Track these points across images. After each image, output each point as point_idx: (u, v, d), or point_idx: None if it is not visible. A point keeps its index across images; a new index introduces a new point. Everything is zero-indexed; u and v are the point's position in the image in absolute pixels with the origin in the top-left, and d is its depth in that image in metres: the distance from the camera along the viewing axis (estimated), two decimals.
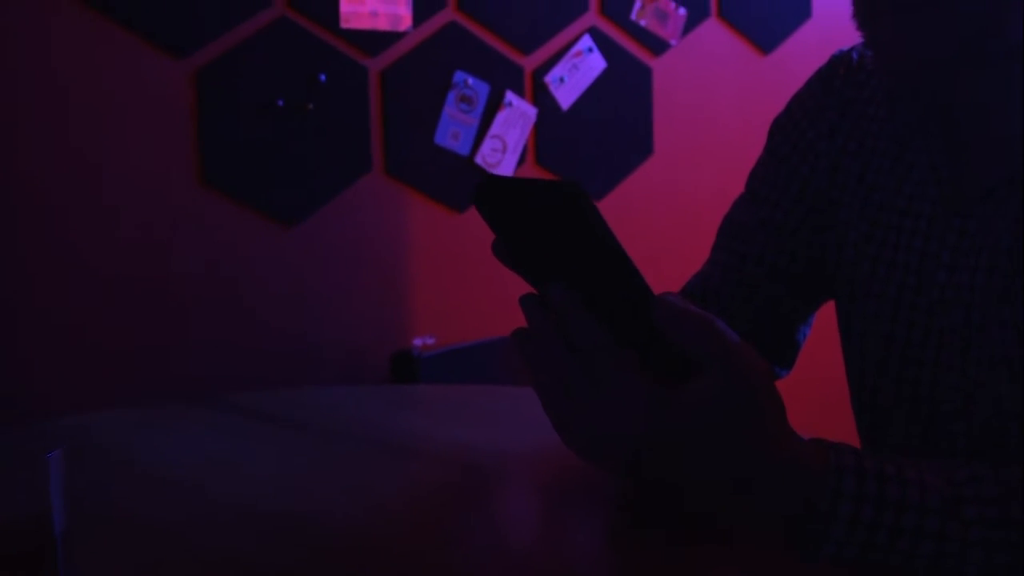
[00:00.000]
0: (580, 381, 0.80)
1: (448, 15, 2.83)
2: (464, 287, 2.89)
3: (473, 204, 0.82)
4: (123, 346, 2.44)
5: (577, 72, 3.06)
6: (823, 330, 1.45)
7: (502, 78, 2.92)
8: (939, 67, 1.01)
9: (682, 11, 3.25)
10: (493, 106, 2.91)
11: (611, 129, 3.15)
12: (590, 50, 3.07)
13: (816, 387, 2.79)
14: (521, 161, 2.96)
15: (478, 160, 2.88)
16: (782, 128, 1.29)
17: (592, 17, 3.09)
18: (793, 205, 1.25)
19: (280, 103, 2.57)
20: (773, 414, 0.81)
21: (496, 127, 2.91)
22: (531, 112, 2.97)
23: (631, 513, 1.00)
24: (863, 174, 1.19)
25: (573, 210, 0.73)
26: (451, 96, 2.83)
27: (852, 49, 1.26)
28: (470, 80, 2.86)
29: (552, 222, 0.76)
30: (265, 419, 1.37)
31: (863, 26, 1.03)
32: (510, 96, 2.93)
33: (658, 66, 3.24)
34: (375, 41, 2.72)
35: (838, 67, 1.26)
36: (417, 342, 2.82)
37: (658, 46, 3.23)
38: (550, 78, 3.01)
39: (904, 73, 1.03)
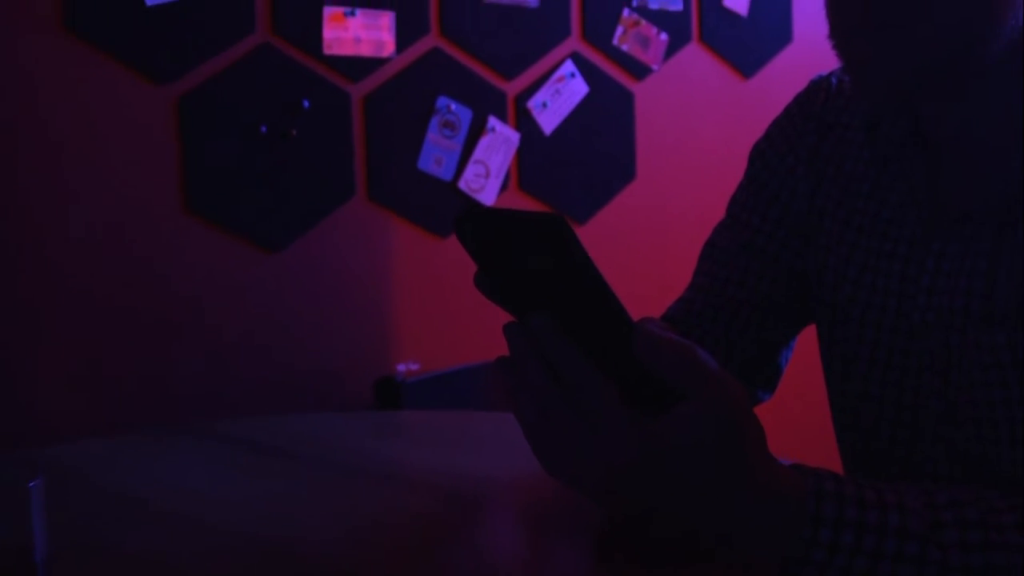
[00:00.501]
0: (561, 409, 0.80)
1: (431, 41, 2.84)
2: (448, 312, 2.89)
3: (454, 234, 0.82)
4: (105, 373, 2.43)
5: (560, 97, 3.07)
6: (805, 353, 1.46)
7: (485, 103, 2.93)
8: (915, 88, 1.02)
9: (664, 36, 3.27)
10: (476, 131, 2.92)
11: (594, 154, 3.16)
12: (572, 75, 3.08)
13: (799, 410, 2.79)
14: (504, 186, 2.97)
15: (461, 185, 2.89)
16: (762, 153, 1.30)
17: (574, 42, 3.10)
18: (773, 230, 1.26)
19: (263, 129, 2.57)
20: (752, 441, 0.81)
21: (479, 152, 2.91)
22: (514, 137, 2.98)
23: (616, 538, 1.00)
24: (842, 198, 1.20)
25: (555, 242, 0.74)
26: (434, 121, 2.84)
27: (831, 74, 1.27)
28: (453, 105, 2.87)
29: (534, 254, 0.77)
30: (248, 446, 1.37)
31: (840, 47, 1.04)
32: (493, 121, 2.94)
33: (640, 91, 3.26)
34: (358, 67, 2.72)
35: (817, 92, 1.27)
36: (401, 368, 2.82)
37: (640, 71, 3.25)
38: (533, 103, 3.02)
39: (880, 94, 1.04)
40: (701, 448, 0.78)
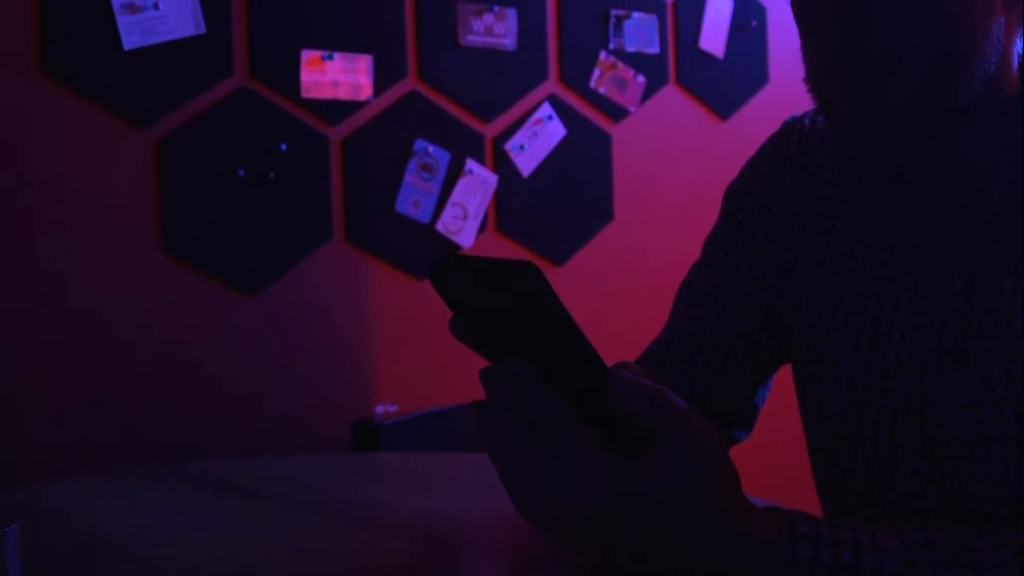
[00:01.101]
0: (537, 454, 0.80)
1: (409, 84, 2.85)
2: (426, 354, 2.88)
3: (429, 280, 0.82)
4: (82, 415, 2.42)
5: (537, 139, 3.08)
6: (782, 392, 1.46)
7: (462, 146, 2.94)
8: (888, 129, 1.04)
9: (640, 78, 3.29)
10: (454, 174, 2.93)
11: (572, 195, 3.17)
12: (550, 117, 3.10)
13: (776, 449, 2.79)
14: (482, 228, 2.98)
15: (439, 227, 2.90)
16: (736, 195, 1.31)
17: (552, 85, 3.12)
18: (749, 270, 1.26)
19: (241, 172, 2.58)
20: (726, 484, 0.82)
21: (457, 194, 2.92)
22: (492, 179, 2.99)
23: None
24: (816, 238, 1.21)
25: (529, 290, 0.74)
26: (412, 164, 2.85)
27: (804, 115, 1.29)
28: (431, 148, 2.88)
29: (508, 301, 0.77)
30: (226, 489, 1.37)
31: (814, 90, 1.06)
32: (471, 164, 2.95)
33: (617, 132, 3.27)
34: (336, 110, 2.73)
35: (790, 133, 1.28)
36: (379, 409, 2.81)
37: (617, 113, 3.27)
38: (510, 145, 3.03)
39: (854, 135, 1.05)
40: (675, 492, 0.79)
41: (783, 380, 1.34)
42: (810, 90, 1.06)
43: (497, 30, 2.99)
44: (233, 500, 1.33)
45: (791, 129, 1.29)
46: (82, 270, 2.43)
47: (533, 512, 0.85)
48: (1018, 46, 1.08)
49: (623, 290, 3.30)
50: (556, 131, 3.12)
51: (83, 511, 1.29)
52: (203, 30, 2.54)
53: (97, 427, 2.44)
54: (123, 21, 2.42)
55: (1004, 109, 1.07)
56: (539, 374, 0.79)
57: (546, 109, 3.10)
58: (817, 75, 1.05)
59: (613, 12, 3.22)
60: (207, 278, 2.58)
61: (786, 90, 3.55)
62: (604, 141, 3.25)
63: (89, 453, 2.43)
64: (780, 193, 1.26)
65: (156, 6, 2.46)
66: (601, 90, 3.22)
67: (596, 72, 3.20)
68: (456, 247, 2.93)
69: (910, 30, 0.99)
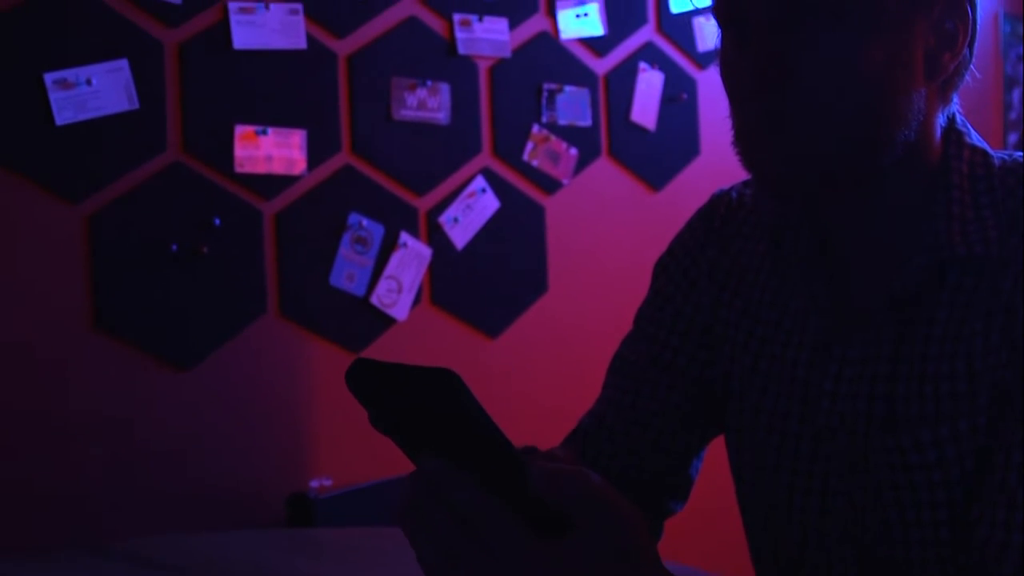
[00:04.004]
0: (467, 548, 0.81)
1: (343, 159, 2.87)
2: (361, 428, 2.85)
3: (346, 384, 0.83)
4: (8, 490, 2.39)
5: (471, 212, 3.10)
6: (716, 461, 1.47)
7: (396, 219, 2.96)
8: (813, 187, 1.07)
9: (573, 151, 3.33)
10: (388, 247, 2.94)
11: (506, 267, 3.20)
12: (484, 190, 3.13)
13: (710, 517, 2.80)
14: (417, 301, 2.99)
15: (374, 300, 2.90)
16: (665, 268, 1.34)
17: (485, 158, 3.15)
18: (680, 343, 1.29)
19: (174, 247, 2.58)
20: (646, 564, 0.82)
21: (391, 268, 2.93)
22: (426, 252, 3.01)
23: None
24: (746, 308, 1.24)
25: (448, 396, 0.76)
26: (346, 238, 2.86)
27: (731, 188, 1.32)
28: (364, 222, 2.89)
29: (426, 405, 0.79)
30: (157, 566, 1.36)
31: (743, 152, 1.09)
32: (405, 237, 2.96)
33: (551, 204, 3.31)
34: (270, 185, 2.74)
35: (718, 206, 1.31)
36: (314, 484, 2.80)
37: (551, 185, 3.30)
38: (444, 218, 3.05)
39: (780, 188, 1.09)
40: (599, 569, 0.79)
41: (716, 449, 1.36)
42: (738, 152, 1.10)
43: (431, 104, 3.02)
44: None
45: (718, 202, 1.32)
46: (11, 345, 2.41)
47: None
48: (940, 118, 1.12)
49: (558, 361, 3.31)
50: (490, 204, 3.15)
51: None
52: (136, 105, 2.54)
53: (25, 503, 2.41)
54: (55, 97, 2.42)
55: (925, 177, 1.11)
56: (458, 466, 0.81)
57: (480, 182, 3.13)
58: (744, 137, 1.09)
59: (545, 86, 3.27)
60: (140, 353, 2.57)
61: (717, 161, 3.60)
62: (538, 213, 3.28)
63: (16, 529, 2.39)
64: (708, 265, 1.29)
65: (89, 82, 2.47)
66: (534, 163, 3.25)
67: (529, 145, 3.24)
68: (391, 320, 2.94)
69: (832, 96, 1.04)
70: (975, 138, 1.15)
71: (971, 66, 1.13)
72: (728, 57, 1.10)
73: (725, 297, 1.26)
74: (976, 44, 1.12)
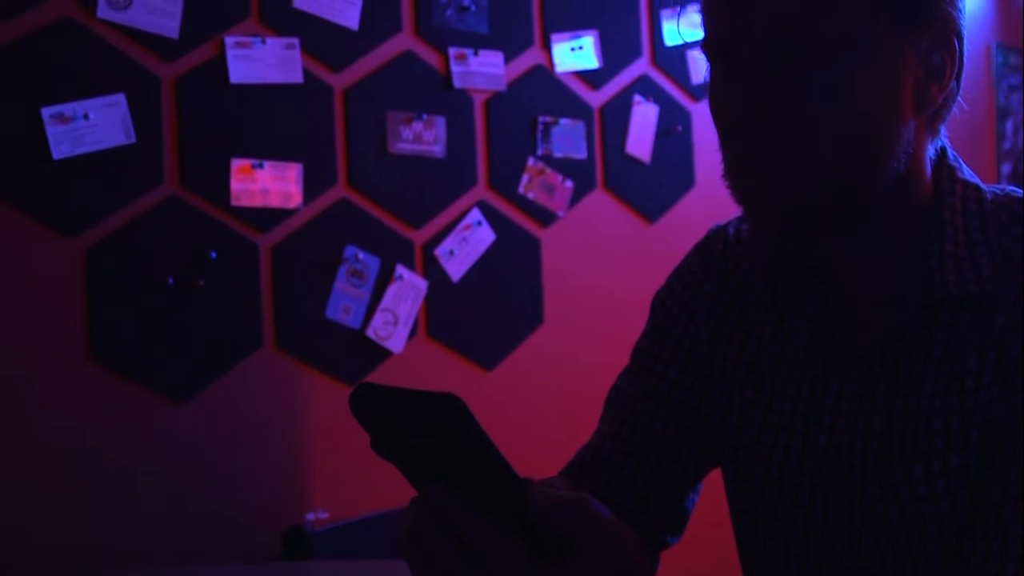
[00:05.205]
0: (469, 574, 0.82)
1: (338, 192, 2.88)
2: (357, 460, 2.88)
3: (349, 409, 0.84)
4: (9, 523, 2.39)
5: (467, 245, 3.12)
6: (713, 494, 1.48)
7: (392, 252, 2.97)
8: (804, 217, 1.08)
9: (569, 183, 3.34)
10: (384, 280, 2.95)
11: (501, 300, 3.21)
12: (479, 223, 3.14)
13: (707, 550, 2.81)
14: (413, 334, 3.00)
15: (370, 333, 2.91)
16: (663, 302, 1.35)
17: (481, 191, 3.17)
18: (678, 376, 1.29)
19: (170, 280, 2.59)
20: None
21: (387, 300, 2.94)
22: (422, 285, 3.02)
23: None
24: (745, 342, 1.25)
25: (451, 421, 0.77)
26: (342, 271, 2.87)
27: (728, 224, 1.33)
28: (360, 255, 2.90)
29: (429, 431, 0.80)
30: None
31: (733, 186, 1.10)
32: (400, 270, 2.97)
33: (546, 237, 3.32)
34: (266, 218, 2.76)
35: (715, 241, 1.33)
36: (310, 517, 2.80)
37: (546, 217, 3.32)
38: (440, 251, 3.06)
39: (772, 222, 1.10)
40: None
41: (714, 480, 1.36)
42: (728, 186, 1.11)
43: (426, 137, 3.04)
44: None
45: (716, 237, 1.33)
46: (7, 377, 2.41)
47: None
48: (929, 150, 1.14)
49: (553, 394, 3.32)
50: (485, 236, 3.16)
51: None
52: (133, 139, 2.56)
53: (15, 536, 2.41)
54: (53, 131, 2.44)
55: (917, 212, 1.12)
56: (461, 492, 0.81)
57: (475, 215, 3.14)
58: (735, 171, 1.10)
59: (541, 119, 3.29)
60: (136, 386, 2.57)
61: (712, 192, 3.61)
62: (533, 245, 3.29)
63: (8, 564, 2.39)
64: (707, 300, 1.29)
65: (86, 116, 2.48)
66: (530, 195, 3.27)
67: (525, 178, 3.25)
68: (387, 353, 2.95)
69: (821, 131, 1.05)
70: (967, 173, 1.16)
71: (959, 98, 1.15)
72: (717, 91, 1.11)
73: (725, 331, 1.27)
74: (966, 75, 1.14)
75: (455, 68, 3.12)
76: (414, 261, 3.03)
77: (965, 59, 1.12)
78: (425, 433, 0.80)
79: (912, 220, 1.12)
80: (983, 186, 1.15)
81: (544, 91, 3.33)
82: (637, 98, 3.55)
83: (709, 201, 3.62)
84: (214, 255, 2.66)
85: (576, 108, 3.40)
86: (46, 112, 2.45)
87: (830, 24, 1.03)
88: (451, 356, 3.11)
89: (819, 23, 1.03)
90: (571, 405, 3.30)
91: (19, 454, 2.43)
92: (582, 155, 3.40)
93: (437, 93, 3.10)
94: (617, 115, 3.51)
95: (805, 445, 1.16)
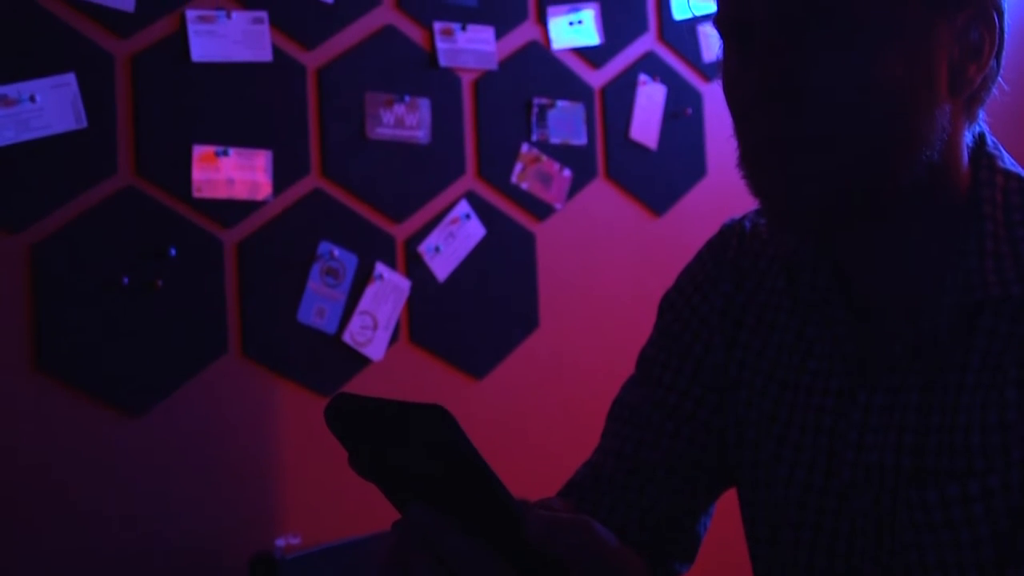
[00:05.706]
0: None
1: (312, 182, 2.87)
2: (332, 480, 2.87)
3: (325, 422, 0.84)
4: None
5: (454, 240, 3.11)
6: (726, 518, 1.48)
7: (371, 248, 2.97)
8: (826, 213, 1.07)
9: (567, 172, 3.33)
10: (362, 279, 2.94)
11: (493, 301, 3.20)
12: (468, 216, 3.13)
13: None
14: (394, 339, 2.99)
15: (346, 338, 2.91)
16: (672, 305, 1.33)
17: (469, 181, 3.16)
18: (688, 386, 1.28)
19: (125, 280, 2.58)
20: None
21: (365, 302, 2.94)
22: (404, 285, 3.01)
23: None
24: (763, 349, 1.24)
25: (437, 435, 0.76)
26: (315, 269, 2.86)
27: (744, 217, 1.32)
28: (336, 251, 2.89)
29: (413, 446, 0.79)
30: None
31: (748, 175, 1.09)
32: (380, 268, 2.97)
33: (542, 231, 3.31)
34: (231, 211, 2.75)
35: (730, 237, 1.32)
36: (280, 542, 2.79)
37: (542, 210, 3.31)
38: (424, 247, 3.06)
39: (792, 220, 1.09)
40: None
41: (728, 501, 1.36)
42: (743, 176, 1.10)
43: (409, 122, 3.03)
44: None
45: (730, 233, 1.32)
46: None
47: None
48: (966, 137, 1.12)
49: (550, 405, 3.31)
50: (475, 231, 3.16)
51: None
52: (84, 124, 2.55)
53: None
54: None
55: (953, 206, 1.11)
56: (447, 512, 0.81)
57: (463, 207, 3.14)
58: (750, 159, 1.09)
59: (536, 101, 3.28)
60: (87, 397, 2.56)
61: (726, 182, 3.59)
62: (528, 241, 3.29)
63: None
64: (721, 301, 1.28)
65: (32, 98, 2.47)
66: (524, 186, 3.26)
67: (518, 166, 3.25)
68: (365, 360, 2.94)
69: (845, 111, 1.04)
70: (1008, 162, 1.15)
71: (999, 79, 1.13)
72: (731, 71, 1.11)
73: (742, 337, 1.26)
74: (1007, 53, 1.12)
75: (441, 45, 3.11)
76: (395, 259, 3.02)
77: (1006, 36, 1.11)
78: (408, 449, 0.80)
79: (947, 214, 1.11)
80: None
81: (539, 70, 3.31)
82: (642, 77, 3.54)
83: (722, 192, 3.61)
84: (174, 252, 2.65)
85: (575, 89, 3.39)
86: None
87: None
88: (437, 364, 3.10)
89: None
90: (569, 418, 3.29)
91: None
92: (581, 141, 3.39)
93: (421, 72, 3.09)
94: (620, 97, 3.50)
95: (830, 463, 1.15)
